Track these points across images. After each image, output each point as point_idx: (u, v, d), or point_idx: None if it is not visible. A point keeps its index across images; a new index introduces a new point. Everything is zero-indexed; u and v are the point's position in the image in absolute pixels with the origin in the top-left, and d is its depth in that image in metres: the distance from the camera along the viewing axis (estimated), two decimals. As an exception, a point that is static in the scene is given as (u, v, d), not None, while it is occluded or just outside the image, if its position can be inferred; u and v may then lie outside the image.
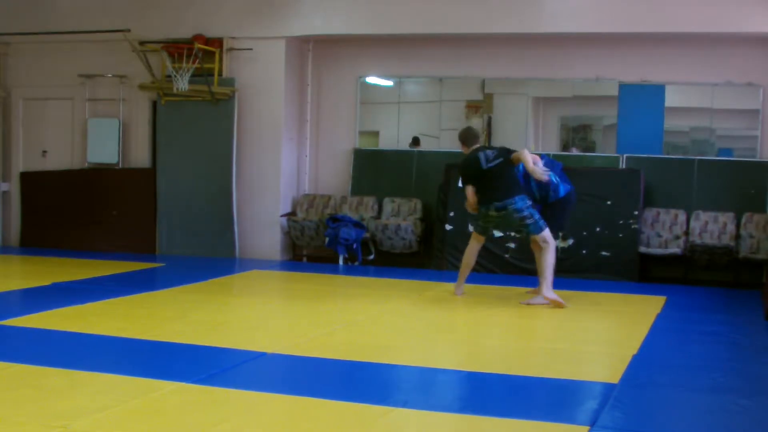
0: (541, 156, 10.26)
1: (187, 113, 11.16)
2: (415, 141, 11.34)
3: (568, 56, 10.60)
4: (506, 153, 7.92)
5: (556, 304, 7.70)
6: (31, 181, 12.04)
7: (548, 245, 7.88)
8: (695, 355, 6.20)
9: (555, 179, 8.01)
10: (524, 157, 7.71)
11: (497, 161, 7.84)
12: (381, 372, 5.41)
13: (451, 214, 10.37)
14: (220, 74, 10.99)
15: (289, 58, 11.03)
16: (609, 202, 10.01)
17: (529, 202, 7.86)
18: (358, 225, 10.60)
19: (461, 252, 10.24)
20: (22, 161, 12.14)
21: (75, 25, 11.37)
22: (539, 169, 7.70)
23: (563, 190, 8.11)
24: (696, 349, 6.39)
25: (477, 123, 11.16)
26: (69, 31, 11.37)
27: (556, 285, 9.29)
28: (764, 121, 10.06)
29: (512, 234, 10.16)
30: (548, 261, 7.86)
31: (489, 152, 7.95)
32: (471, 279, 9.59)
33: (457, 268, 10.18)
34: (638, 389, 5.04)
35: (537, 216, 7.84)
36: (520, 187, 7.89)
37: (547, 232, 7.88)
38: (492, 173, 7.84)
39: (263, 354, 5.71)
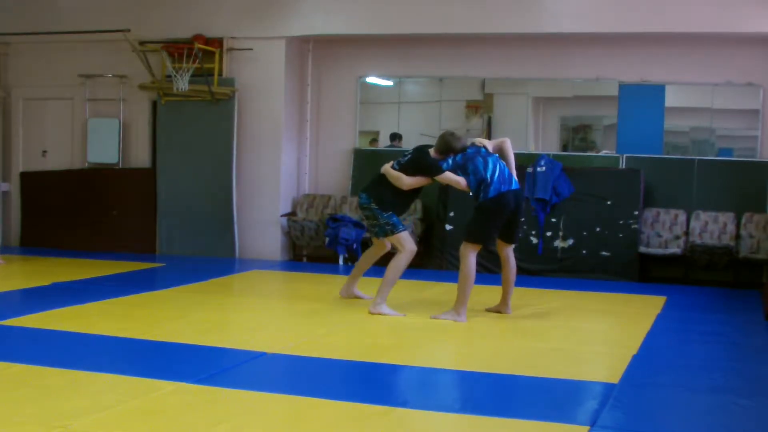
0: (541, 156, 10.35)
1: (187, 113, 11.16)
2: (394, 137, 11.33)
3: (568, 56, 10.60)
4: (413, 164, 7.32)
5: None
6: (31, 181, 12.04)
7: (400, 252, 7.37)
8: (695, 355, 6.20)
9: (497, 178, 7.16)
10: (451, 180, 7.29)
11: (395, 165, 7.39)
12: (381, 372, 5.40)
13: (451, 214, 10.38)
14: (220, 74, 10.99)
15: (289, 58, 11.03)
16: (609, 202, 10.02)
17: (376, 207, 7.31)
18: (358, 225, 10.59)
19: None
20: (22, 161, 12.14)
21: (75, 25, 11.37)
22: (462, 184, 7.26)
23: (493, 191, 7.08)
24: (696, 349, 6.39)
25: (477, 123, 11.17)
26: (69, 31, 11.37)
27: (558, 285, 9.32)
28: (764, 121, 10.07)
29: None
30: (395, 267, 7.30)
31: (408, 155, 7.45)
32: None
33: (457, 267, 10.17)
34: (638, 389, 5.04)
35: (383, 220, 7.31)
36: (384, 194, 7.33)
37: (401, 238, 7.35)
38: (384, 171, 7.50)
39: (263, 354, 5.71)
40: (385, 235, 7.42)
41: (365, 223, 7.61)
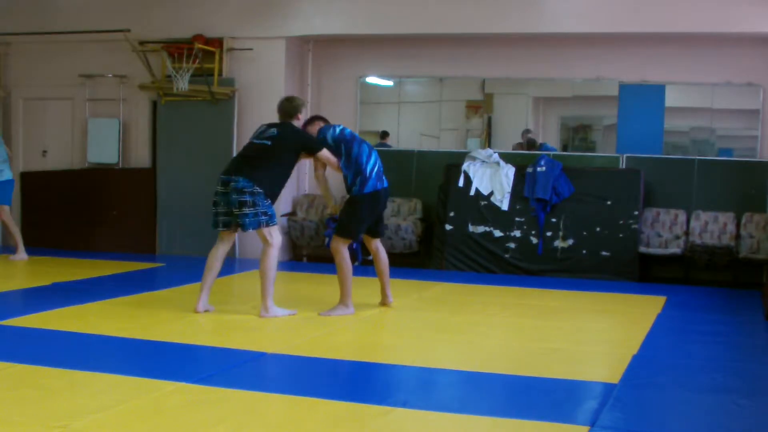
0: (541, 156, 10.35)
1: (187, 113, 11.16)
2: (384, 135, 11.33)
3: (568, 56, 10.60)
4: (290, 138, 6.99)
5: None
6: (31, 181, 12.04)
7: (269, 246, 6.89)
8: (695, 355, 6.20)
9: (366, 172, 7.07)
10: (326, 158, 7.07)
11: (267, 142, 6.96)
12: (381, 372, 5.41)
13: (451, 214, 10.38)
14: (220, 74, 10.99)
15: (289, 58, 11.04)
16: (609, 202, 10.02)
17: (260, 190, 6.79)
18: (358, 225, 10.57)
19: (461, 252, 10.29)
20: (22, 161, 12.14)
21: (75, 25, 11.37)
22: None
23: (370, 186, 7.08)
24: (696, 349, 6.39)
25: (477, 123, 11.18)
26: (69, 31, 11.37)
27: (558, 285, 9.31)
28: (764, 121, 10.07)
29: (510, 234, 10.17)
30: (267, 266, 6.87)
31: (273, 130, 7.03)
32: (471, 279, 9.61)
33: (457, 267, 10.22)
34: (638, 389, 5.03)
35: (262, 209, 6.82)
36: (264, 180, 6.84)
37: (272, 231, 6.89)
38: (252, 147, 7.07)
39: (263, 354, 5.71)
40: (259, 225, 6.84)
41: (235, 211, 6.88)
